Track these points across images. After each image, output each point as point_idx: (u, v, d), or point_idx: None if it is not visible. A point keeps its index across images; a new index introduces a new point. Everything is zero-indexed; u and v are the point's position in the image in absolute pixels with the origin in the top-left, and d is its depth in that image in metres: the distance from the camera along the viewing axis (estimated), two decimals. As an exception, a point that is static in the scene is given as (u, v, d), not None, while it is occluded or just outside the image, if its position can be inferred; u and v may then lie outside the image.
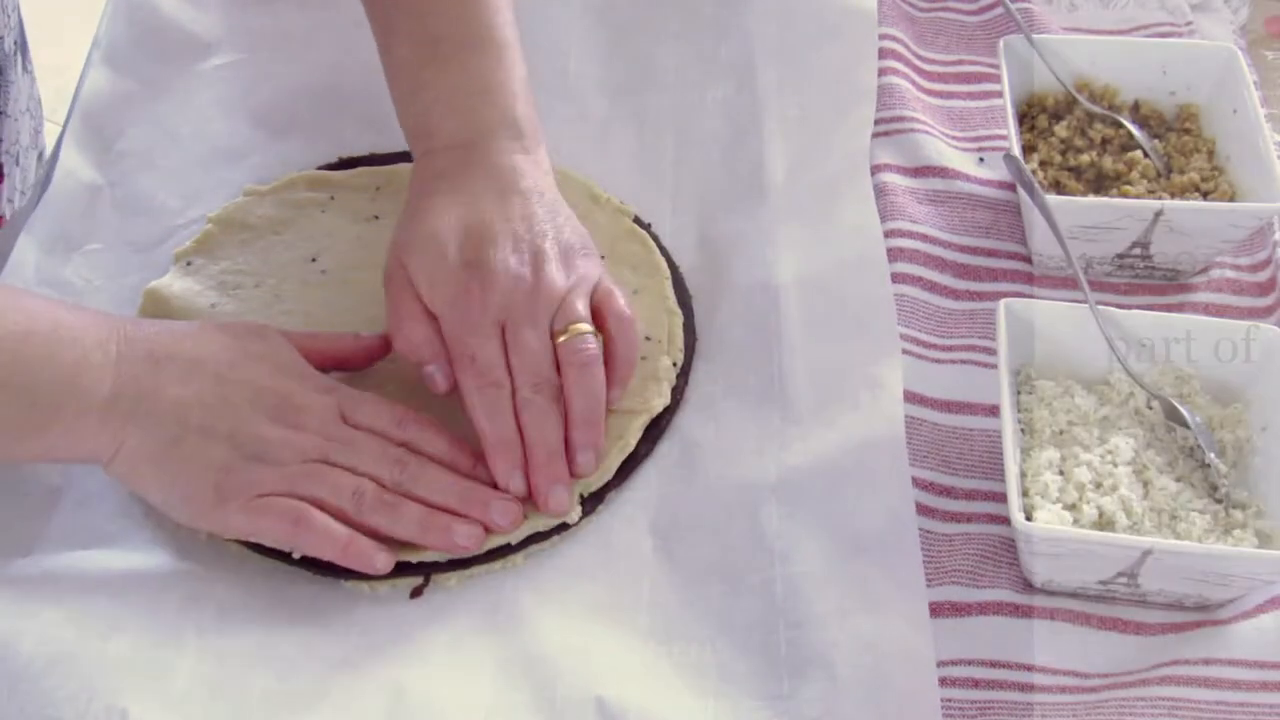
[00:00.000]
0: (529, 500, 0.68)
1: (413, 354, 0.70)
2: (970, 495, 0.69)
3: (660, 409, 0.73)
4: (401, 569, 0.66)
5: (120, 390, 0.64)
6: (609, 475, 0.70)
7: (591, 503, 0.69)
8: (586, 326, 0.69)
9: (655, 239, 0.81)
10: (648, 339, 0.75)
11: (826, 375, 0.73)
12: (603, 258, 0.78)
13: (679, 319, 0.77)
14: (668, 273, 0.79)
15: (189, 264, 0.79)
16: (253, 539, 0.66)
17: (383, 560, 0.64)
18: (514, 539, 0.67)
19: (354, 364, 0.72)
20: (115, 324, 0.66)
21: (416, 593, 0.66)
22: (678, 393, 0.74)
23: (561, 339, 0.68)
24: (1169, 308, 0.78)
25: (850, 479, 0.68)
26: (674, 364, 0.75)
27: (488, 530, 0.66)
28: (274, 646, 0.63)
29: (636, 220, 0.82)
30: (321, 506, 0.64)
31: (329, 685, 0.62)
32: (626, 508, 0.70)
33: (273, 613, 0.65)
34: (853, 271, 0.77)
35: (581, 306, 0.69)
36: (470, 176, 0.72)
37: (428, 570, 0.66)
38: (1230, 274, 0.80)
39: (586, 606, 0.65)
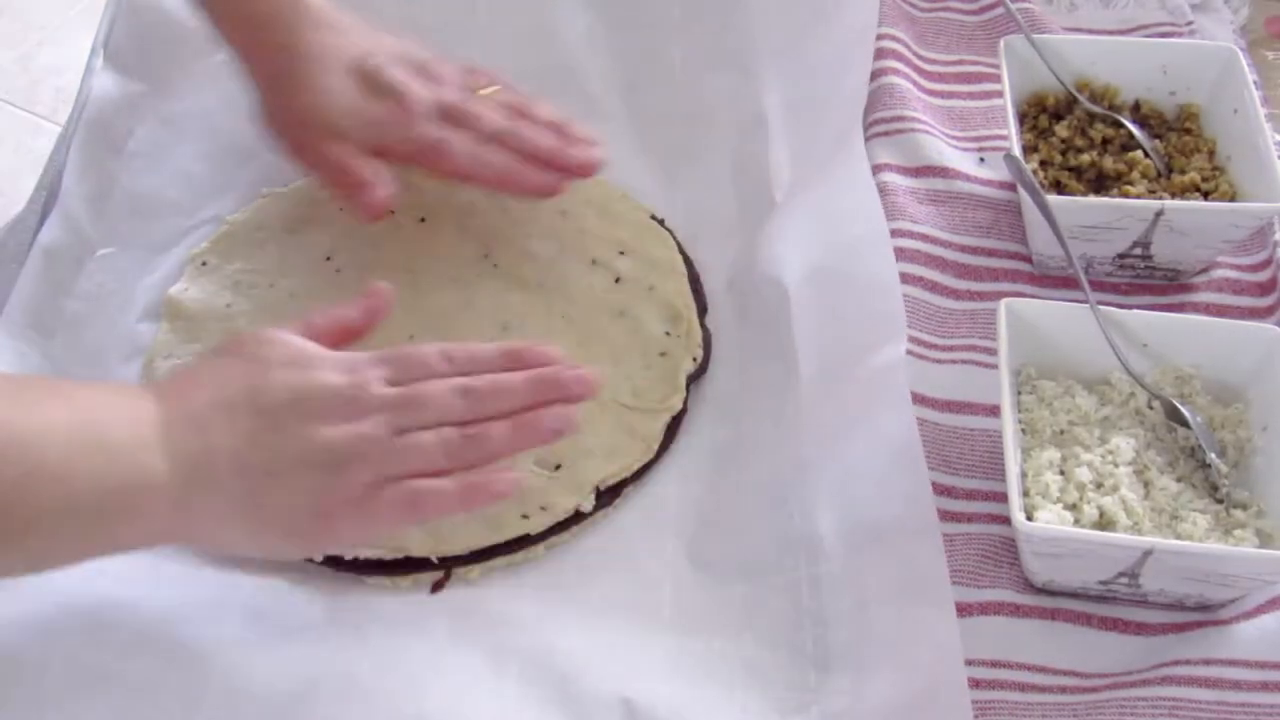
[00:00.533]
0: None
1: (379, 190, 0.75)
2: (971, 495, 0.69)
3: (680, 407, 0.73)
4: (422, 564, 0.67)
5: (176, 462, 0.58)
6: (628, 473, 0.70)
7: (609, 496, 0.70)
8: (492, 86, 0.79)
9: (670, 234, 0.82)
10: (668, 334, 0.76)
11: (838, 365, 0.73)
12: (622, 254, 0.80)
13: (696, 315, 0.77)
14: (684, 270, 0.79)
15: (204, 264, 0.79)
16: (374, 538, 0.64)
17: (504, 481, 0.61)
18: (533, 529, 0.68)
19: (361, 330, 0.68)
20: (138, 390, 0.62)
21: (438, 587, 0.67)
22: (696, 388, 0.74)
23: (485, 95, 0.78)
24: (1169, 307, 0.78)
25: (868, 469, 0.68)
26: (694, 359, 0.75)
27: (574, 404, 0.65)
28: (299, 648, 0.63)
29: (651, 217, 0.83)
30: (419, 474, 0.61)
31: (352, 688, 0.62)
32: (645, 504, 0.70)
33: (297, 615, 0.65)
34: (859, 258, 0.77)
35: (474, 80, 0.79)
36: (318, 34, 0.77)
37: (449, 564, 0.67)
38: (1230, 274, 0.80)
39: (608, 604, 0.66)
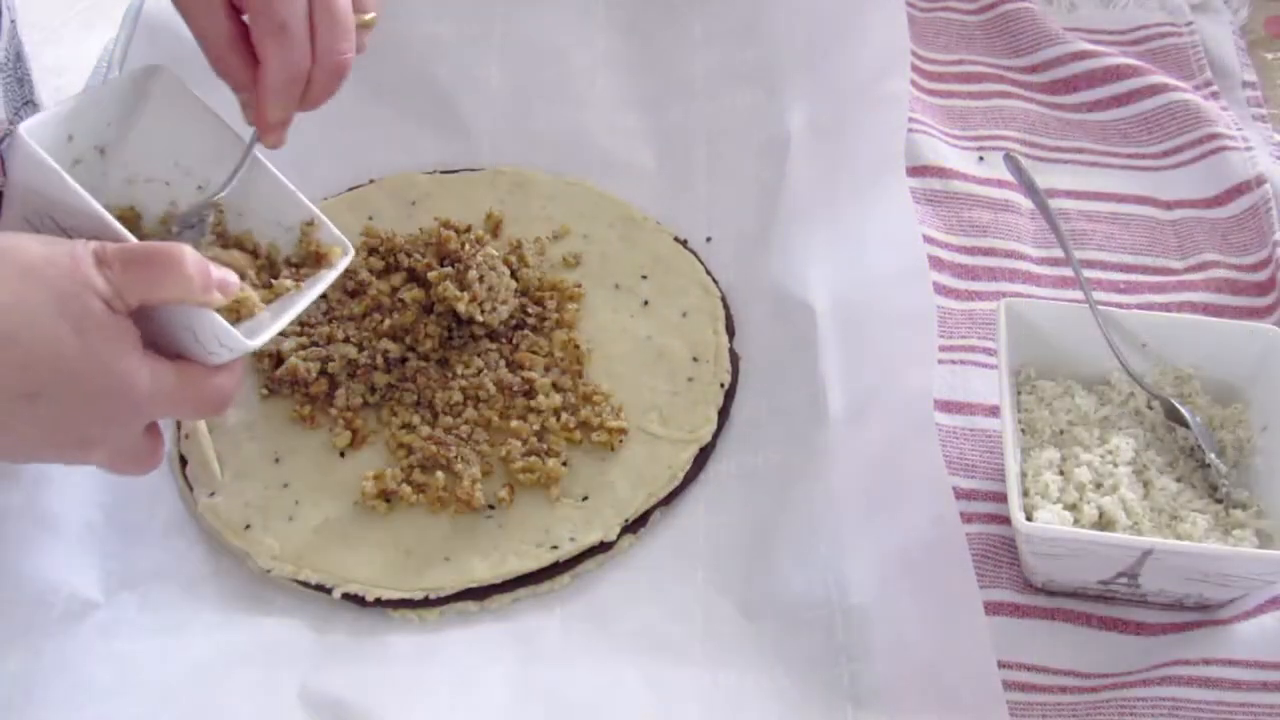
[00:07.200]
0: None
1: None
2: (970, 495, 0.69)
3: (709, 438, 0.72)
4: (447, 597, 0.66)
5: None
6: (653, 502, 0.70)
7: (636, 525, 0.69)
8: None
9: (694, 255, 0.81)
10: (695, 360, 0.75)
11: (866, 391, 0.71)
12: (645, 278, 0.79)
13: (725, 340, 0.76)
14: (719, 293, 0.79)
15: None
16: None
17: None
18: (561, 559, 0.67)
19: None
20: None
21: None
22: (723, 414, 0.74)
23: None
24: (1169, 307, 0.78)
25: (896, 499, 0.67)
26: (721, 385, 0.74)
27: None
28: (325, 684, 0.63)
29: (675, 239, 0.82)
30: None
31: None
32: (674, 535, 0.70)
33: (323, 651, 0.64)
34: (892, 283, 0.75)
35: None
36: None
37: (475, 594, 0.67)
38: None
39: (638, 635, 0.65)
